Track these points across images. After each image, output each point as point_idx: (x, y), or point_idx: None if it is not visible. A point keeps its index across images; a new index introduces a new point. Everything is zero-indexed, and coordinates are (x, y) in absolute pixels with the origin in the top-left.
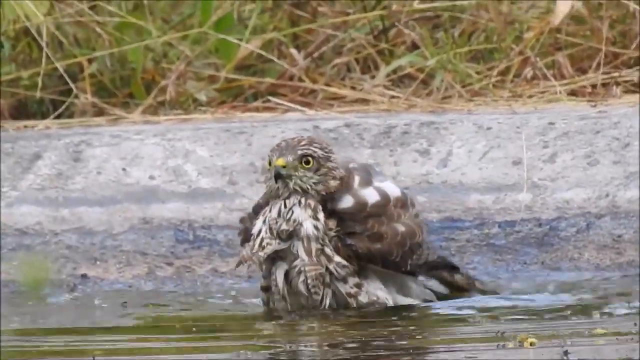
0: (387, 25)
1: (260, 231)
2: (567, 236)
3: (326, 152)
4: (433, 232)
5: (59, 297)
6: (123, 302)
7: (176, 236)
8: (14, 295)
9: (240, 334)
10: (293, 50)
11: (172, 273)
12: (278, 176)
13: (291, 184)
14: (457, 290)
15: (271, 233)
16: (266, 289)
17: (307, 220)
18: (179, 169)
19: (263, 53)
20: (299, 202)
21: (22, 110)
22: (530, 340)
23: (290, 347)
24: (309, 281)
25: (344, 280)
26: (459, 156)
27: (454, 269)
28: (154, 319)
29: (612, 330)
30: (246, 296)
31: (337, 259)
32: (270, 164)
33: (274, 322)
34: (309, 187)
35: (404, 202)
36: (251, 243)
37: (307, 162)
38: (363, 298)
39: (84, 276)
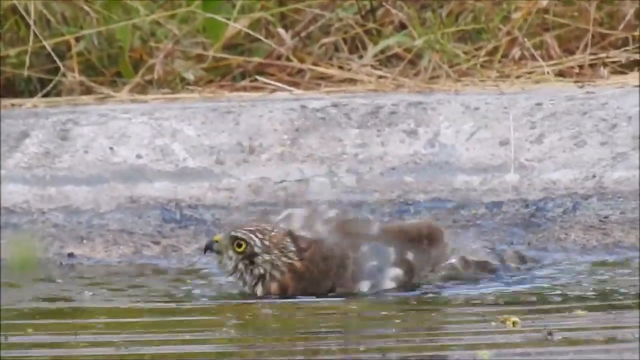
0: (375, 5)
1: None
2: (553, 217)
3: (266, 245)
4: (420, 212)
5: (46, 275)
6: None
7: (163, 215)
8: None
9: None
10: (281, 30)
11: (158, 252)
12: (207, 247)
13: (220, 261)
14: None
15: None
16: None
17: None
18: (166, 148)
19: (251, 32)
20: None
21: (10, 89)
22: (512, 320)
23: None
24: None
25: None
26: (446, 137)
27: None
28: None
29: (592, 311)
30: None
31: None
32: None
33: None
34: (238, 269)
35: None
36: None
37: (239, 246)
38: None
39: (70, 255)
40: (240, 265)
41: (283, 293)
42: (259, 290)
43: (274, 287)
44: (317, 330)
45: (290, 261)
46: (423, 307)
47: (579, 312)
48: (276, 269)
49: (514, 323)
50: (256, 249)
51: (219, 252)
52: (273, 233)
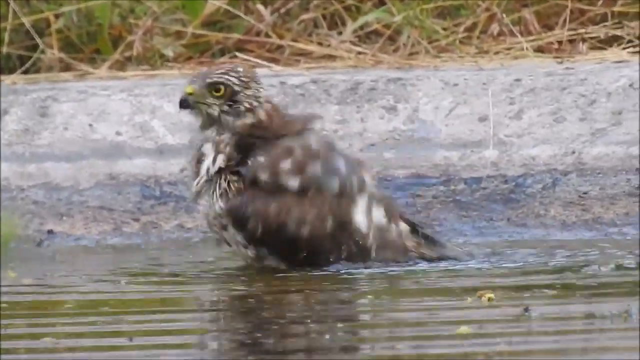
0: None
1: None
2: (533, 193)
3: (244, 81)
4: (399, 188)
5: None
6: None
7: (142, 192)
8: None
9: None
10: (260, 6)
11: (138, 229)
12: (182, 103)
13: (200, 112)
14: None
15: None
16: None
17: (209, 156)
18: (146, 125)
19: (230, 9)
20: (213, 134)
21: None
22: (488, 295)
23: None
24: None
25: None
26: (425, 113)
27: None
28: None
29: (570, 288)
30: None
31: (216, 207)
32: None
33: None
34: (216, 116)
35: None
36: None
37: (217, 90)
38: (250, 252)
39: (50, 232)
40: (225, 108)
41: (270, 123)
42: (231, 119)
43: (262, 116)
44: (294, 315)
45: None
46: (397, 282)
47: (548, 291)
48: (259, 100)
49: (489, 299)
50: (236, 88)
51: (195, 106)
52: (241, 69)
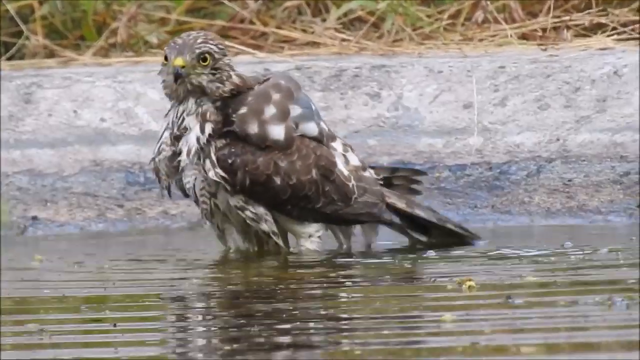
0: None
1: (161, 136)
2: (517, 180)
3: (221, 49)
4: None
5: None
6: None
7: (127, 178)
8: None
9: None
10: None
11: (122, 215)
12: (177, 77)
13: (188, 84)
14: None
15: (170, 138)
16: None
17: (195, 127)
18: (130, 112)
19: None
20: (194, 107)
21: None
22: (469, 283)
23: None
24: (195, 189)
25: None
26: (409, 100)
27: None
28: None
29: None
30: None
31: (211, 174)
32: (166, 59)
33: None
34: (204, 85)
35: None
36: (154, 149)
37: (204, 60)
38: (249, 213)
39: (34, 218)
40: (210, 76)
41: (243, 85)
42: (216, 86)
43: (237, 80)
44: (278, 294)
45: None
46: (377, 270)
47: (530, 278)
48: (231, 66)
49: (469, 287)
50: (217, 55)
51: (188, 75)
52: (212, 36)
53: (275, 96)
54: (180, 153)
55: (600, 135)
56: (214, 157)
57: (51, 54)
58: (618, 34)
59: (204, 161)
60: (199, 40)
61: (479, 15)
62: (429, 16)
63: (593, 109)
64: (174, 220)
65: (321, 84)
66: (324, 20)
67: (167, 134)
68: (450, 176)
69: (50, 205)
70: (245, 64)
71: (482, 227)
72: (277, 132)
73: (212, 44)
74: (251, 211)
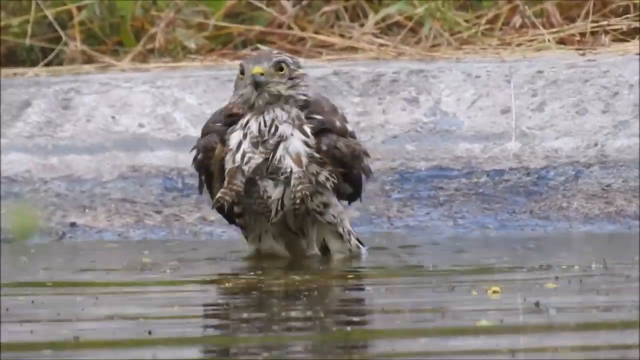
0: None
1: (240, 144)
2: (555, 185)
3: (294, 60)
4: (421, 180)
5: (48, 245)
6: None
7: (165, 184)
8: (4, 242)
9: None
10: None
11: (160, 221)
12: (257, 84)
13: (266, 93)
14: None
15: (254, 147)
16: (239, 215)
17: (295, 133)
18: (168, 117)
19: (252, 1)
20: (283, 114)
21: (12, 58)
22: (493, 288)
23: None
24: (298, 194)
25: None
26: (447, 104)
27: None
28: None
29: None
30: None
31: (325, 172)
32: (243, 72)
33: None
34: (283, 94)
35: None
36: (229, 157)
37: (281, 69)
38: (328, 218)
39: (72, 224)
40: (289, 84)
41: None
42: (293, 93)
43: (310, 90)
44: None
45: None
46: (402, 275)
47: (550, 284)
48: (305, 80)
49: (494, 292)
50: (292, 66)
51: (267, 83)
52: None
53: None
54: (272, 159)
55: (638, 140)
56: (324, 147)
57: (89, 60)
58: None
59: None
60: (274, 51)
61: (517, 19)
62: (466, 21)
63: (631, 113)
64: (213, 226)
65: (359, 89)
66: (361, 25)
67: (247, 143)
68: (488, 181)
69: (89, 212)
70: None
71: (521, 232)
72: (348, 126)
73: (286, 55)
74: (333, 211)
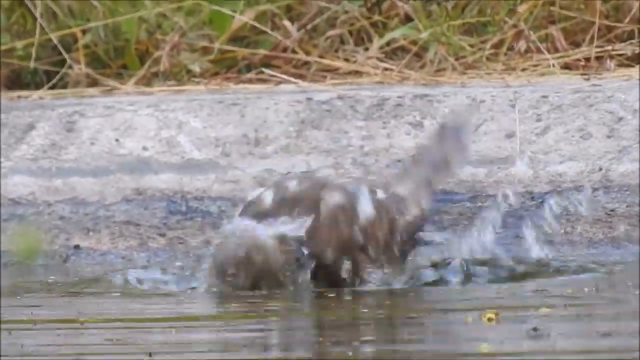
0: None
1: None
2: (559, 209)
3: None
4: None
5: (51, 268)
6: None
7: (169, 207)
8: (7, 266)
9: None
10: (286, 22)
11: (164, 244)
12: None
13: None
14: None
15: None
16: None
17: None
18: (172, 140)
19: (257, 25)
20: None
21: (16, 81)
22: (488, 315)
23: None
24: None
25: None
26: None
27: None
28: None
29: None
30: None
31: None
32: None
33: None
34: None
35: None
36: None
37: None
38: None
39: (76, 247)
40: None
41: None
42: None
43: None
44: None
45: None
46: (406, 299)
47: (544, 308)
48: None
49: (489, 319)
50: None
51: None
52: None
53: None
54: None
55: None
56: None
57: (93, 83)
58: None
59: None
60: None
61: (522, 44)
62: (471, 45)
63: (635, 139)
64: None
65: (363, 113)
66: (366, 49)
67: None
68: (493, 205)
69: (93, 234)
70: (287, 93)
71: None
72: None
73: None
74: None
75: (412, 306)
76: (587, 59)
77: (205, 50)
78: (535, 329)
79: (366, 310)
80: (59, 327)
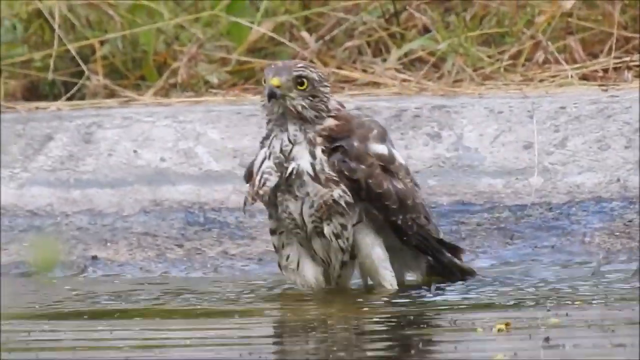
0: (399, 8)
1: (261, 165)
2: (577, 220)
3: (321, 77)
4: (443, 215)
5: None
6: None
7: (187, 218)
8: (24, 276)
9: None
10: (304, 33)
11: (182, 255)
12: (272, 95)
13: (281, 106)
14: (456, 273)
15: (277, 166)
16: (274, 231)
17: (305, 156)
18: (190, 151)
19: (274, 36)
20: (299, 134)
21: (34, 92)
22: (498, 326)
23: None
24: (317, 207)
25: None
26: (470, 140)
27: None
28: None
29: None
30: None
31: (342, 187)
32: (265, 82)
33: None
34: (300, 110)
35: (407, 171)
36: (254, 178)
37: (302, 84)
38: (343, 243)
39: (94, 258)
40: (307, 102)
41: (342, 117)
42: (312, 113)
43: (336, 111)
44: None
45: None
46: (416, 311)
47: (554, 319)
48: (329, 97)
49: (499, 330)
50: (315, 83)
51: (283, 97)
52: (315, 65)
53: (374, 132)
54: (290, 178)
55: None
56: (331, 173)
57: (111, 94)
58: None
59: (324, 181)
60: (298, 65)
61: (540, 55)
62: (489, 56)
63: None
64: (234, 260)
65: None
66: (384, 60)
67: (268, 163)
68: (510, 216)
69: (110, 245)
70: None
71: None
72: (381, 149)
73: (312, 70)
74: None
75: None
76: (605, 70)
77: (223, 62)
78: (547, 339)
79: None
80: None
